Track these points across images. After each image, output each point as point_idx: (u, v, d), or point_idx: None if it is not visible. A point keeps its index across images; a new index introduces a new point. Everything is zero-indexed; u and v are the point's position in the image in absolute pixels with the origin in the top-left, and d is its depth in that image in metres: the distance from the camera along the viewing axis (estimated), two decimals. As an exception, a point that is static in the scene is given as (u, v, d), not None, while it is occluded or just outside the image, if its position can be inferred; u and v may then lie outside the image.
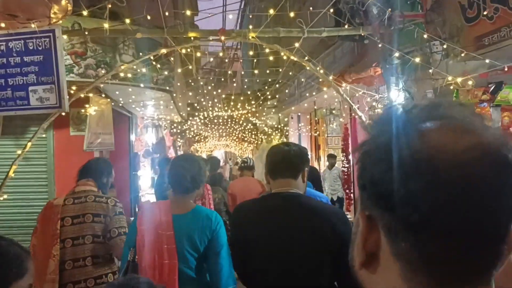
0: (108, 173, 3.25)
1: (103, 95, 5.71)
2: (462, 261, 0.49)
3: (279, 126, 14.60)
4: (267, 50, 4.61)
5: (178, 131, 15.16)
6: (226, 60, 13.81)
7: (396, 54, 3.99)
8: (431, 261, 0.49)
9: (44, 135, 6.39)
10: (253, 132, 18.29)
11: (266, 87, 10.97)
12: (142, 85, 5.73)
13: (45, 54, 3.30)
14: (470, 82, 3.86)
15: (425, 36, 4.26)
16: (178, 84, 6.60)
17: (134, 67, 5.88)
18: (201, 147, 28.30)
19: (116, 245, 2.80)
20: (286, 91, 11.33)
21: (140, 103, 7.18)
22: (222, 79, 14.94)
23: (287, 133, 13.91)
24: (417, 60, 3.92)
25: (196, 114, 12.77)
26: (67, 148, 6.52)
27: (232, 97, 11.14)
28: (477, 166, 0.48)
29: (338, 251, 1.83)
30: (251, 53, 5.18)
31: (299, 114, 12.02)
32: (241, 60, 17.96)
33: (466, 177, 0.47)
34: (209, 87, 11.35)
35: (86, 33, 3.91)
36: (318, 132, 11.41)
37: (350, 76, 6.13)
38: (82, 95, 4.27)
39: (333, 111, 11.05)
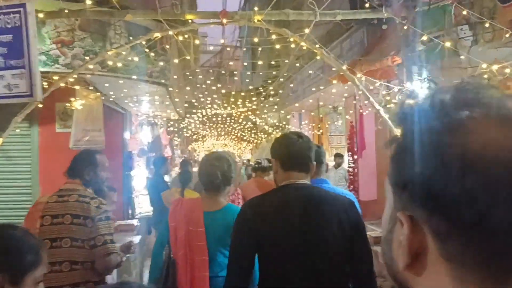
0: (92, 166, 2.81)
1: (91, 88, 5.17)
2: None
3: (280, 125, 14.10)
4: (273, 36, 4.10)
5: (176, 129, 14.64)
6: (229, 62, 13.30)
7: (424, 38, 3.48)
8: (485, 260, 0.47)
9: (28, 132, 5.92)
10: (253, 131, 17.81)
11: (269, 82, 10.46)
12: (134, 77, 5.20)
13: (14, 33, 2.80)
14: (507, 70, 3.35)
15: (453, 19, 3.75)
16: (175, 77, 6.08)
17: (126, 56, 5.36)
18: (199, 146, 27.83)
19: (100, 255, 2.53)
20: (291, 85, 10.80)
21: (133, 98, 6.65)
22: (223, 72, 14.47)
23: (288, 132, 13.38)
24: (448, 44, 3.42)
25: (194, 111, 12.24)
26: (52, 146, 6.03)
27: (233, 93, 10.64)
28: None
29: (351, 238, 1.87)
30: (256, 39, 4.66)
31: (303, 111, 11.51)
32: (240, 59, 17.51)
33: None
34: (208, 82, 10.82)
35: (67, 11, 3.37)
36: (321, 131, 10.93)
37: (361, 69, 5.62)
38: (62, 84, 3.75)
39: (338, 109, 10.56)
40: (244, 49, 13.91)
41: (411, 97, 4.00)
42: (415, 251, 0.52)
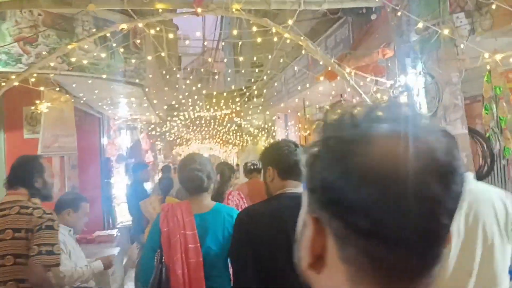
0: (36, 172, 2.57)
1: (58, 89, 4.73)
2: (407, 264, 0.51)
3: (266, 126, 13.75)
4: (254, 28, 3.74)
5: (158, 133, 14.16)
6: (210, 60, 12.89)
7: (420, 25, 3.16)
8: (378, 265, 0.51)
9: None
10: (238, 134, 17.41)
11: (252, 81, 10.08)
12: (104, 76, 4.78)
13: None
14: None
15: (449, 6, 3.44)
16: (150, 76, 5.66)
17: (95, 54, 4.94)
18: (184, 150, 27.29)
19: (33, 266, 2.29)
20: (275, 84, 10.44)
21: (107, 100, 6.20)
22: (205, 75, 14.05)
23: (274, 134, 13.06)
24: (446, 32, 3.10)
25: (176, 114, 11.79)
26: (20, 153, 5.55)
27: (214, 93, 10.23)
28: (423, 175, 0.50)
29: None
30: (235, 32, 4.29)
31: (289, 111, 11.18)
32: (225, 60, 17.12)
33: (414, 185, 0.49)
34: (188, 81, 10.39)
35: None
36: (308, 132, 10.61)
37: (348, 65, 5.30)
38: (16, 83, 3.31)
39: (325, 109, 10.25)
40: (223, 43, 13.48)
41: (405, 92, 3.68)
42: (318, 251, 0.56)
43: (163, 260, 2.34)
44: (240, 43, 5.28)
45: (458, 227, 1.91)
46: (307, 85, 7.91)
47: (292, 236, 1.72)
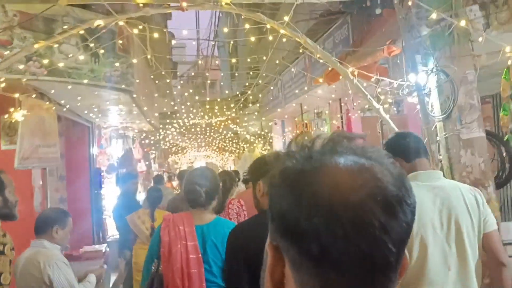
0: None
1: (34, 96, 4.35)
2: None
3: (262, 133, 13.38)
4: (246, 25, 3.38)
5: (151, 142, 13.76)
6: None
7: (434, 16, 2.80)
8: None
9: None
10: (234, 141, 17.04)
11: (247, 85, 9.72)
12: (86, 81, 4.40)
13: None
14: (536, 54, 2.69)
15: (462, -3, 3.09)
16: (137, 81, 5.29)
17: (81, 57, 4.57)
18: (180, 158, 26.90)
19: None
20: (272, 88, 10.07)
21: (93, 107, 5.81)
22: (201, 82, 13.71)
23: (271, 140, 12.68)
24: (463, 23, 2.74)
25: (168, 121, 11.40)
26: (-1, 166, 5.17)
27: (207, 99, 9.86)
28: (369, 204, 0.52)
29: None
30: (225, 30, 3.94)
31: (285, 116, 10.81)
32: (217, 61, 16.79)
33: (359, 214, 0.52)
34: (179, 87, 10.02)
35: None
36: (306, 138, 10.21)
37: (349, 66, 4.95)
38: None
39: (323, 114, 9.90)
40: (216, 43, 13.12)
41: (414, 92, 3.31)
42: (278, 278, 0.58)
43: (159, 269, 2.38)
44: (234, 45, 4.95)
45: (433, 224, 1.97)
46: (305, 89, 7.55)
47: None
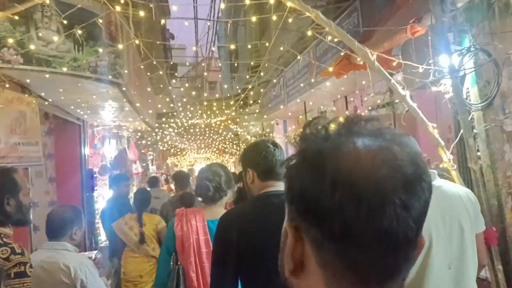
0: (8, 191, 2.17)
1: (7, 86, 3.84)
2: (379, 266, 0.55)
3: (264, 133, 12.88)
4: (247, 1, 2.86)
5: (149, 142, 13.26)
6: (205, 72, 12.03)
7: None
8: (351, 268, 0.55)
9: None
10: (234, 142, 16.53)
11: (248, 77, 9.21)
12: (65, 69, 3.89)
13: None
14: None
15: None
16: (126, 71, 4.77)
17: (56, 44, 4.06)
18: (180, 160, 26.45)
19: None
20: (274, 84, 9.58)
21: (78, 101, 5.30)
22: (200, 85, 13.24)
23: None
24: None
25: (164, 119, 10.88)
26: (-27, 166, 4.68)
27: (205, 94, 9.35)
28: (390, 181, 0.53)
29: None
30: (222, 6, 3.41)
31: (290, 114, 10.29)
32: (218, 59, 16.32)
33: (381, 191, 0.53)
34: (173, 81, 9.49)
35: None
36: (321, 121, 9.67)
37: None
38: None
39: (328, 113, 9.40)
40: (216, 41, 12.65)
41: (446, 77, 2.80)
42: (298, 258, 0.59)
43: (178, 262, 2.46)
44: (234, 38, 4.44)
45: (437, 223, 1.99)
46: (312, 81, 7.04)
47: (277, 233, 1.39)
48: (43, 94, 4.64)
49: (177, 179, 5.78)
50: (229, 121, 13.16)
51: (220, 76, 21.41)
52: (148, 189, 7.25)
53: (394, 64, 3.00)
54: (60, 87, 4.51)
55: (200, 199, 2.70)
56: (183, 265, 2.43)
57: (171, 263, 2.47)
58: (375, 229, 0.52)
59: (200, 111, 10.60)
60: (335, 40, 4.04)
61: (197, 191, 2.63)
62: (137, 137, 11.22)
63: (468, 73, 2.65)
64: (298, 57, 4.51)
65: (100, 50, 4.19)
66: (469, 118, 2.69)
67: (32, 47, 3.95)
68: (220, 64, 19.39)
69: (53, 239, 2.56)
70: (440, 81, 3.08)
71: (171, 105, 9.67)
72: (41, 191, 7.72)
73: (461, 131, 2.66)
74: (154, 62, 4.33)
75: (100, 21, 3.71)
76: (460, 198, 2.08)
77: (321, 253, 0.55)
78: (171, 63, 15.83)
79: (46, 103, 4.92)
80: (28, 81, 4.10)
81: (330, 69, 4.03)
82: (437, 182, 2.14)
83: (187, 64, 22.93)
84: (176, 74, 16.03)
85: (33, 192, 7.57)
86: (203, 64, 12.19)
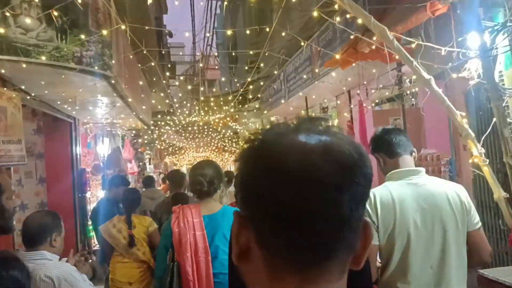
0: None
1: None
2: (313, 247, 0.56)
3: (264, 130, 12.49)
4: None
5: (146, 141, 12.88)
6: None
7: None
8: (287, 249, 0.57)
9: None
10: (234, 140, 16.17)
11: (247, 69, 8.84)
12: (44, 58, 3.52)
13: None
14: None
15: None
16: (113, 61, 4.39)
17: (36, 32, 3.69)
18: (179, 160, 26.10)
19: None
20: (275, 81, 9.22)
21: (62, 95, 4.91)
22: (197, 82, 12.85)
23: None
24: None
25: (159, 116, 10.49)
26: (-50, 166, 4.32)
27: (201, 89, 8.97)
28: (323, 163, 0.55)
29: None
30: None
31: (291, 109, 9.92)
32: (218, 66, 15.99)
33: (314, 172, 0.55)
34: (171, 77, 9.11)
35: None
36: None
37: (370, 44, 4.06)
38: None
39: (331, 109, 9.03)
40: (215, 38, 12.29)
41: (475, 59, 2.42)
42: (243, 244, 0.61)
43: (174, 258, 2.51)
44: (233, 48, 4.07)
45: (415, 222, 1.99)
46: (316, 71, 6.67)
47: None
48: (23, 87, 4.26)
49: (172, 179, 5.41)
50: (228, 119, 12.81)
51: (219, 72, 21.02)
52: (144, 189, 6.93)
53: (413, 45, 2.63)
54: (41, 80, 4.13)
55: (193, 196, 2.76)
56: (179, 260, 2.50)
57: (168, 259, 2.54)
58: (310, 210, 0.54)
59: (197, 107, 10.21)
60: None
61: (191, 187, 2.71)
62: (132, 135, 10.83)
63: (502, 53, 2.28)
64: (302, 44, 4.11)
65: (83, 37, 3.81)
66: (504, 105, 2.32)
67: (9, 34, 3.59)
68: (218, 59, 19.02)
69: (30, 248, 2.39)
70: (464, 66, 2.71)
71: (166, 100, 9.26)
72: (31, 192, 7.39)
73: (494, 120, 2.29)
74: (145, 52, 3.95)
75: (80, 1, 3.32)
76: (445, 197, 2.03)
77: (260, 236, 0.58)
78: (170, 64, 15.48)
79: (28, 97, 4.54)
80: (3, 71, 3.72)
81: (337, 56, 3.63)
82: (422, 180, 2.09)
83: (186, 60, 22.60)
84: (175, 72, 15.65)
85: (23, 193, 7.27)
86: (200, 64, 11.80)
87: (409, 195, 2.02)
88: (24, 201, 7.19)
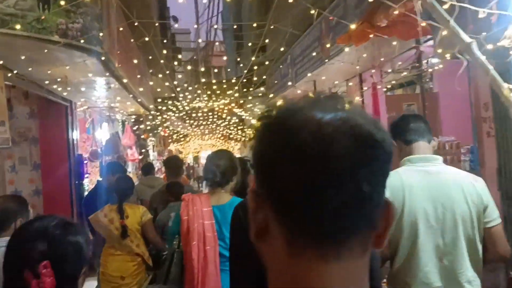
0: None
1: None
2: (333, 222, 0.54)
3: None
4: None
5: (148, 127, 12.52)
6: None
7: None
8: (308, 225, 0.55)
9: None
10: (239, 127, 15.78)
11: (251, 44, 8.39)
12: (19, 26, 3.11)
13: None
14: None
15: None
16: (101, 34, 3.97)
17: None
18: (185, 147, 25.80)
19: None
20: (281, 66, 8.80)
21: (48, 72, 4.51)
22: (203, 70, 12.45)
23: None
24: None
25: (160, 100, 10.08)
26: None
27: (207, 83, 8.53)
28: (340, 137, 0.54)
29: None
30: None
31: (299, 92, 9.53)
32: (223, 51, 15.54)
33: (331, 146, 0.53)
34: (175, 60, 8.69)
35: None
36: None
37: (388, 15, 3.62)
38: None
39: (340, 93, 8.58)
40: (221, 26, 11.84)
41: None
42: (262, 222, 0.59)
43: (180, 245, 2.62)
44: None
45: (425, 212, 1.92)
46: (320, 62, 6.24)
47: None
48: (1, 62, 3.86)
49: (169, 165, 5.03)
50: (233, 105, 12.39)
51: (225, 58, 20.53)
52: (143, 176, 6.59)
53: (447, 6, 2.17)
54: (21, 54, 3.73)
55: (199, 185, 2.66)
56: (185, 248, 2.54)
57: (174, 245, 2.62)
58: (326, 184, 0.53)
59: (199, 91, 9.79)
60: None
61: (204, 175, 2.77)
62: (133, 120, 10.46)
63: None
64: (312, 12, 3.65)
65: (69, 7, 3.39)
66: None
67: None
68: (224, 45, 18.58)
69: None
70: (504, 34, 2.26)
71: (166, 83, 8.84)
72: (25, 179, 7.13)
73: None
74: (136, 23, 3.53)
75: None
76: (459, 188, 1.94)
77: (278, 212, 0.57)
78: (173, 49, 15.03)
79: (10, 74, 4.14)
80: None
81: (353, 26, 3.19)
82: (436, 168, 2.02)
83: (192, 46, 22.15)
84: (180, 57, 15.21)
85: (17, 179, 6.99)
86: (201, 53, 11.33)
87: (419, 181, 1.96)
88: (18, 188, 6.91)
